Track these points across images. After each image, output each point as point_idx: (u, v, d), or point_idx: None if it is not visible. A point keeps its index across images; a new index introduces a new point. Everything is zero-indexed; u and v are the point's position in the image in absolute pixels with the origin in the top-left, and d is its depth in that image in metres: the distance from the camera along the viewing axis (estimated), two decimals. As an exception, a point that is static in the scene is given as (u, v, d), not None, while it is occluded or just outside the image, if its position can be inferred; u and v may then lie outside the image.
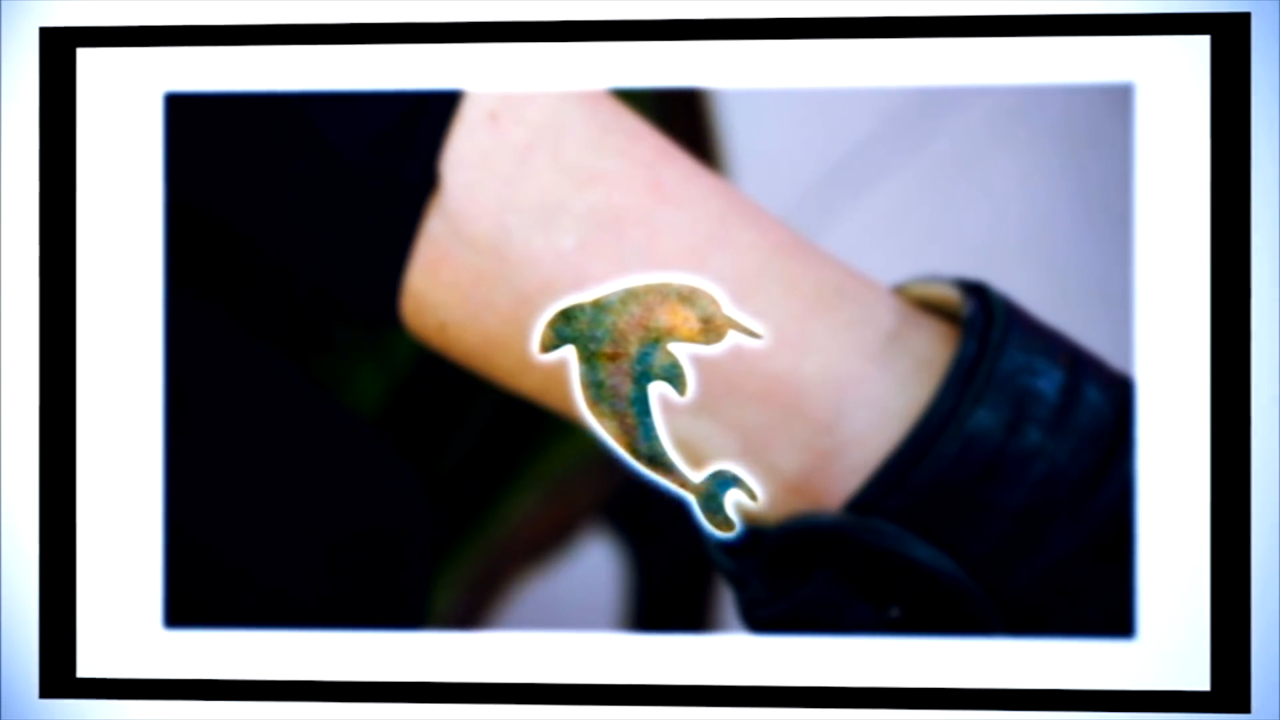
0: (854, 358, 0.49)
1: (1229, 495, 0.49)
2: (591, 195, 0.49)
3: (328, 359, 0.60)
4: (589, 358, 0.48)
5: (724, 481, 0.49)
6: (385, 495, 0.57)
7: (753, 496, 0.49)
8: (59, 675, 0.53)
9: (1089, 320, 0.51)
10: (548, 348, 0.49)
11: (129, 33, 0.52)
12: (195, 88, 0.52)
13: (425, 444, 0.64)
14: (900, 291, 0.51)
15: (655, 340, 0.48)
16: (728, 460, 0.49)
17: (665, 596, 0.73)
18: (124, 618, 0.53)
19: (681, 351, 0.48)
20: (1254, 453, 0.49)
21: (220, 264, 0.54)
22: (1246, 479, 0.49)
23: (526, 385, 0.50)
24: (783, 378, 0.49)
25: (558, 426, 0.65)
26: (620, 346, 0.48)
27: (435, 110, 0.49)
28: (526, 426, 0.66)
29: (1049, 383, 0.49)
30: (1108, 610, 0.49)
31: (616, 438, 0.49)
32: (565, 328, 0.48)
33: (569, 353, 0.49)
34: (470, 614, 0.67)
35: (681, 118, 0.64)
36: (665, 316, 0.48)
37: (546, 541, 0.69)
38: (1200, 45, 0.49)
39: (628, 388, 0.48)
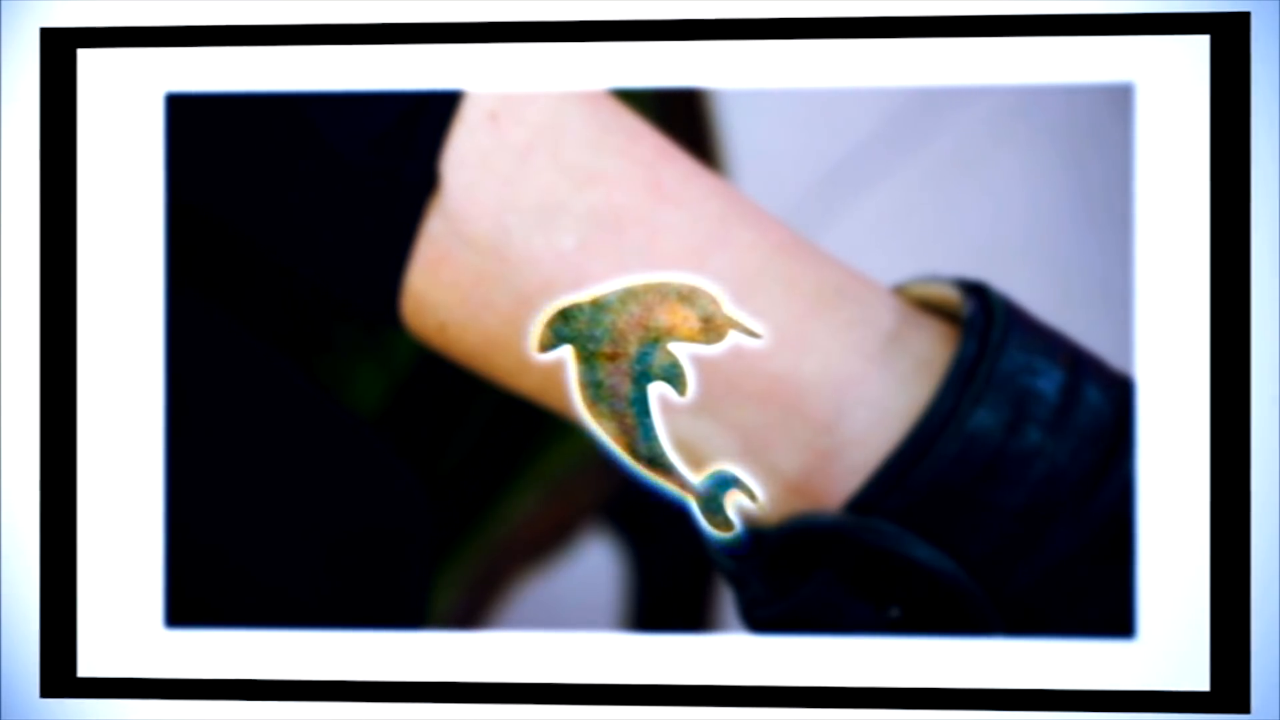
0: (854, 358, 0.49)
1: (1229, 495, 0.49)
2: (591, 195, 0.49)
3: (328, 359, 0.60)
4: (588, 358, 0.48)
5: (724, 482, 0.49)
6: (385, 495, 0.57)
7: (752, 497, 0.49)
8: (60, 675, 0.53)
9: (1089, 320, 0.51)
10: (546, 347, 0.49)
11: (129, 33, 0.52)
12: (196, 88, 0.52)
13: (425, 444, 0.64)
14: (900, 291, 0.51)
15: (655, 340, 0.48)
16: (728, 460, 0.49)
17: (665, 596, 0.73)
18: (125, 617, 0.53)
19: (681, 351, 0.48)
20: (1254, 453, 0.49)
21: (221, 264, 0.54)
22: (1246, 479, 0.49)
23: (527, 385, 0.50)
24: (783, 378, 0.49)
25: (558, 426, 0.65)
26: (619, 346, 0.48)
27: (435, 110, 0.49)
28: (526, 426, 0.66)
29: (1049, 383, 0.49)
30: (1108, 610, 0.49)
31: (615, 438, 0.48)
32: (564, 327, 0.48)
33: (567, 353, 0.49)
34: (470, 614, 0.67)
35: (681, 118, 0.64)
36: (665, 316, 0.48)
37: (546, 541, 0.69)
38: (1200, 45, 0.49)
39: (627, 388, 0.48)
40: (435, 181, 0.49)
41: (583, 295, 0.48)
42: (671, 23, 0.51)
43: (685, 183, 0.50)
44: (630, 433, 0.48)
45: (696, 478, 0.49)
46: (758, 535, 0.50)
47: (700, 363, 0.49)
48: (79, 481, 0.53)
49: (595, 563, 0.72)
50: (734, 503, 0.49)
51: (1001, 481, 0.48)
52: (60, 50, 0.53)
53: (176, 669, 0.53)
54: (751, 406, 0.49)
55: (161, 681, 0.53)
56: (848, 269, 0.50)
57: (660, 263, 0.49)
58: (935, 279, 0.51)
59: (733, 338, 0.48)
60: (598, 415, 0.49)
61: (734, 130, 0.67)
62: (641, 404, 0.48)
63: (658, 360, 0.48)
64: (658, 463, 0.49)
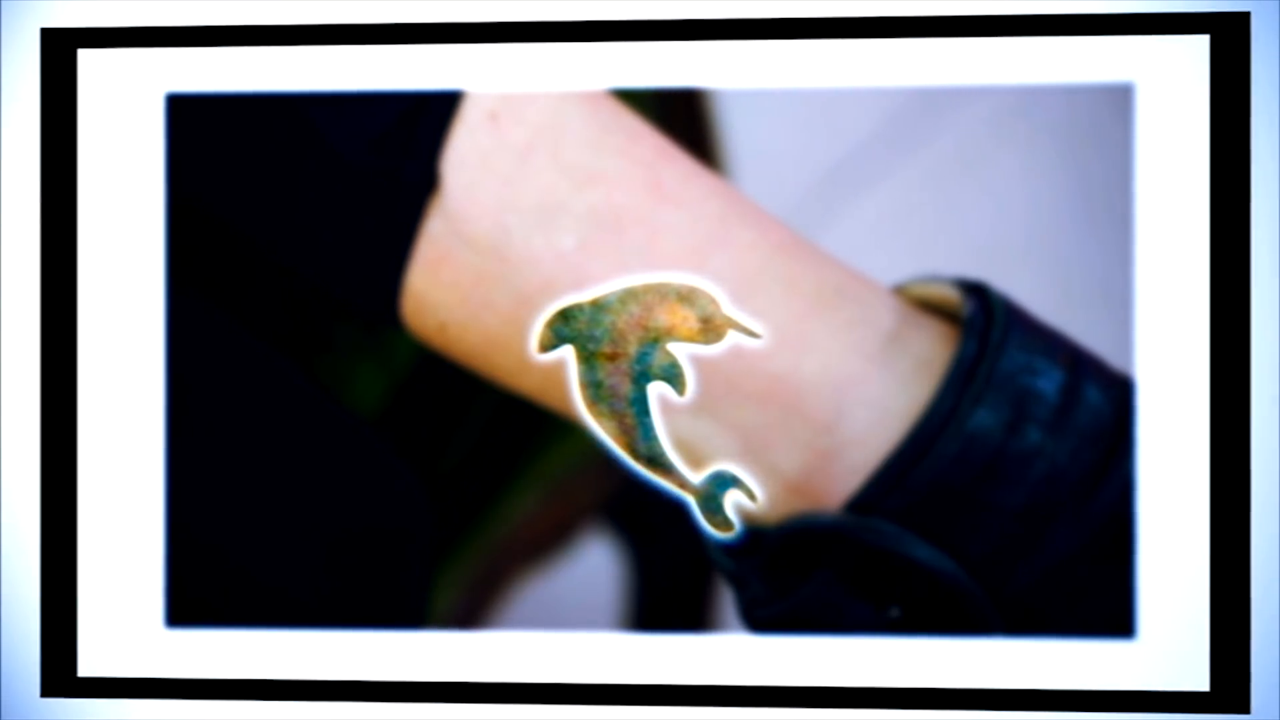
0: (854, 358, 0.49)
1: (1229, 495, 0.49)
2: (591, 195, 0.49)
3: (328, 359, 0.60)
4: (588, 358, 0.48)
5: (723, 482, 0.49)
6: (386, 495, 0.57)
7: (752, 497, 0.49)
8: (60, 674, 0.53)
9: (1090, 320, 0.51)
10: (546, 347, 0.49)
11: (130, 34, 0.52)
12: (196, 88, 0.52)
13: (426, 444, 0.64)
14: (900, 291, 0.51)
15: (654, 340, 0.48)
16: (728, 460, 0.49)
17: (665, 596, 0.73)
18: (125, 617, 0.53)
19: (681, 351, 0.48)
20: (1254, 453, 0.49)
21: (221, 264, 0.54)
22: (1246, 479, 0.49)
23: (527, 385, 0.50)
24: (783, 378, 0.49)
25: (558, 426, 0.65)
26: (619, 346, 0.48)
27: (436, 110, 0.49)
28: (527, 426, 0.66)
29: (1049, 383, 0.49)
30: (1108, 610, 0.49)
31: (615, 438, 0.49)
32: (564, 327, 0.48)
33: (567, 353, 0.49)
34: (470, 614, 0.67)
35: (681, 118, 0.64)
36: (664, 316, 0.48)
37: (546, 541, 0.69)
38: (1200, 45, 0.49)
39: (627, 388, 0.48)
40: (435, 181, 0.49)
41: (583, 295, 0.48)
42: (671, 23, 0.51)
43: (685, 183, 0.50)
44: (630, 432, 0.48)
45: (696, 477, 0.49)
46: (757, 535, 0.50)
47: (700, 363, 0.49)
48: (79, 481, 0.53)
49: (595, 563, 0.72)
50: (733, 502, 0.49)
51: (1001, 481, 0.48)
52: (61, 50, 0.53)
53: (177, 669, 0.53)
54: (751, 406, 0.49)
55: (162, 681, 0.53)
56: (848, 269, 0.50)
57: (660, 263, 0.49)
58: (935, 279, 0.51)
59: (732, 338, 0.48)
60: (598, 415, 0.49)
61: (734, 130, 0.67)
62: (641, 404, 0.48)
63: (657, 360, 0.48)
64: (657, 462, 0.49)
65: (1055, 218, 0.68)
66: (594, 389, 0.49)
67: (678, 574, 0.73)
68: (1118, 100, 0.50)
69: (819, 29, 0.50)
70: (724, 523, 0.49)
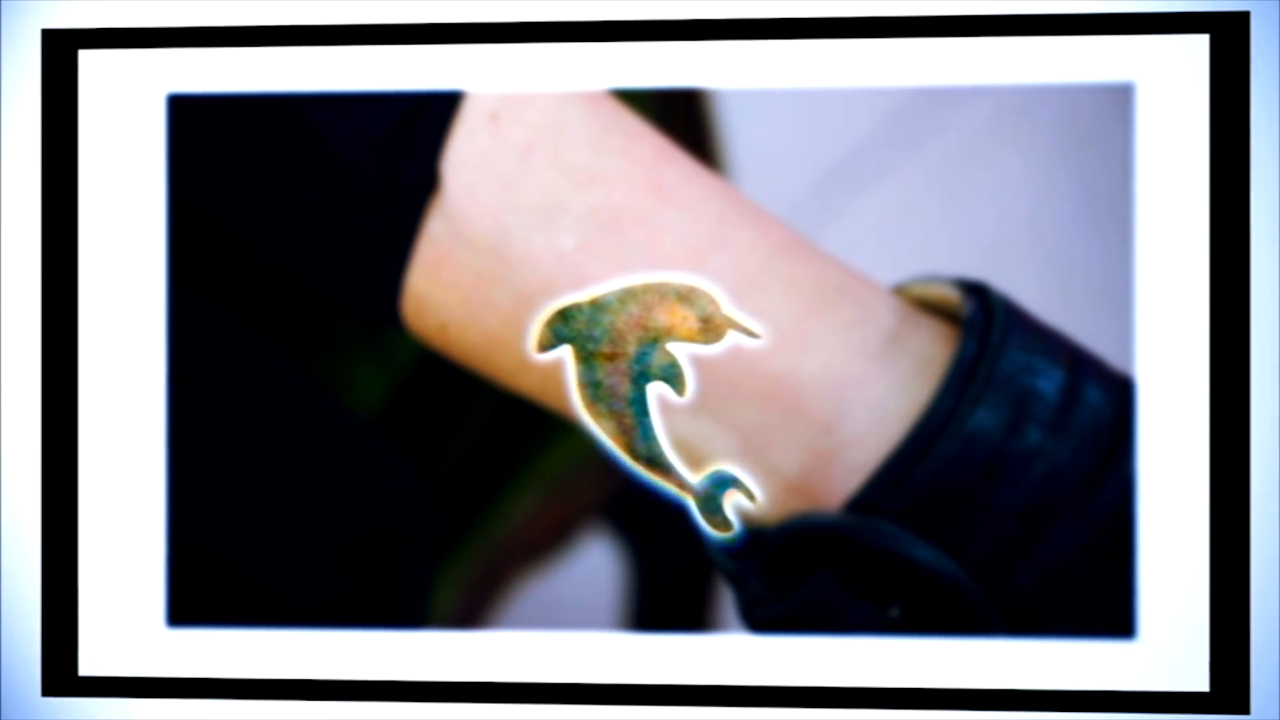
0: (854, 358, 0.49)
1: (1229, 495, 0.49)
2: (592, 195, 0.49)
3: (329, 358, 0.60)
4: (587, 357, 0.49)
5: (722, 482, 0.49)
6: (386, 495, 0.57)
7: (751, 497, 0.49)
8: (61, 673, 0.53)
9: (1090, 320, 0.51)
10: (545, 347, 0.49)
11: (131, 34, 0.53)
12: (197, 89, 0.52)
13: (426, 444, 0.64)
14: (900, 291, 0.51)
15: (654, 340, 0.48)
16: (727, 460, 0.49)
17: (665, 596, 0.73)
18: (126, 616, 0.53)
19: (680, 351, 0.48)
20: (1254, 453, 0.49)
21: (222, 264, 0.54)
22: (1246, 479, 0.49)
23: (527, 385, 0.50)
24: (783, 378, 0.49)
25: (558, 426, 0.65)
26: (618, 346, 0.48)
27: (436, 111, 0.49)
28: (527, 426, 0.66)
29: (1049, 383, 0.49)
30: (1108, 611, 0.49)
31: (614, 438, 0.49)
32: (563, 327, 0.48)
33: (566, 353, 0.49)
34: (471, 613, 0.67)
35: (681, 118, 0.64)
36: (664, 316, 0.48)
37: (547, 541, 0.69)
38: (1200, 45, 0.49)
39: (626, 388, 0.48)
40: (436, 182, 0.49)
41: (582, 295, 0.48)
42: (671, 23, 0.51)
43: (685, 183, 0.50)
44: (629, 432, 0.48)
45: (695, 478, 0.49)
46: (757, 535, 0.50)
47: (700, 363, 0.49)
48: (80, 481, 0.53)
49: (595, 563, 0.72)
50: (732, 503, 0.49)
51: (1001, 481, 0.48)
52: (62, 51, 0.53)
53: (177, 668, 0.53)
54: (752, 407, 0.49)
55: (163, 680, 0.53)
56: (848, 269, 0.50)
57: (660, 263, 0.49)
58: (935, 279, 0.51)
59: (731, 338, 0.48)
60: (597, 415, 0.49)
61: (734, 130, 0.67)
62: (640, 404, 0.48)
63: (656, 360, 0.48)
64: (656, 462, 0.49)
65: (1055, 218, 0.68)
66: (593, 389, 0.49)
67: (678, 574, 0.73)
68: (1118, 100, 0.50)
69: (819, 29, 0.50)
70: (723, 523, 0.49)
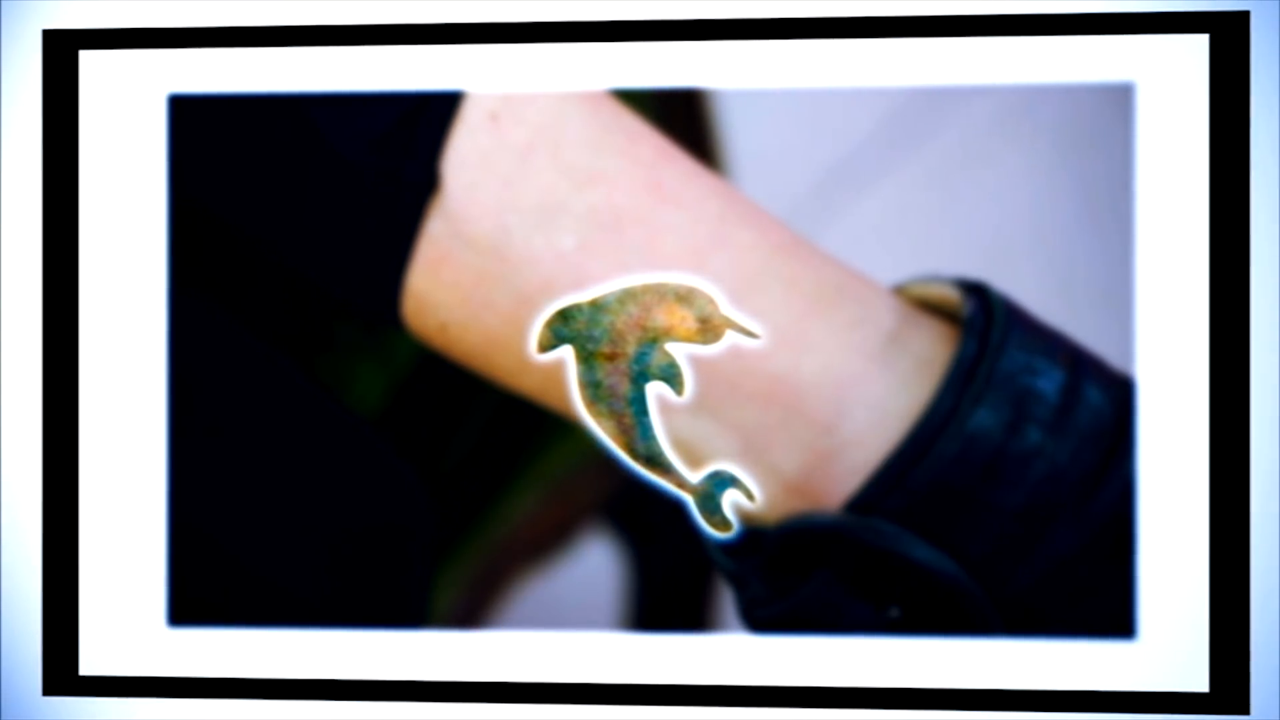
0: (854, 358, 0.49)
1: (1229, 495, 0.49)
2: (592, 195, 0.49)
3: (329, 358, 0.61)
4: (586, 358, 0.49)
5: (721, 482, 0.49)
6: (386, 494, 0.57)
7: (750, 497, 0.49)
8: (62, 673, 0.53)
9: (1091, 319, 0.51)
10: (545, 347, 0.49)
11: (132, 35, 0.53)
12: (198, 89, 0.52)
13: (426, 443, 0.64)
14: (900, 291, 0.51)
15: (653, 340, 0.48)
16: (727, 460, 0.49)
17: (665, 596, 0.73)
18: (127, 616, 0.53)
19: (679, 351, 0.49)
20: (1254, 453, 0.49)
21: (223, 264, 0.54)
22: (1246, 479, 0.49)
23: (527, 385, 0.50)
24: (783, 378, 0.49)
25: (558, 426, 0.65)
26: (618, 346, 0.48)
27: (436, 111, 0.49)
28: (527, 426, 0.66)
29: (1049, 383, 0.49)
30: (1108, 611, 0.49)
31: (614, 438, 0.49)
32: (563, 328, 0.48)
33: (566, 353, 0.49)
34: (471, 613, 0.67)
35: (681, 118, 0.64)
36: (663, 316, 0.48)
37: (547, 541, 0.69)
38: (1200, 44, 0.49)
39: (625, 387, 0.49)
40: (436, 182, 0.49)
41: (582, 296, 0.48)
42: (671, 23, 0.51)
43: (685, 183, 0.50)
44: (629, 432, 0.48)
45: (694, 477, 0.49)
46: (757, 535, 0.50)
47: (701, 363, 0.49)
48: (81, 480, 0.53)
49: (595, 563, 0.72)
50: (731, 502, 0.49)
51: (1001, 482, 0.48)
52: (62, 52, 0.53)
53: (178, 668, 0.53)
54: (752, 407, 0.49)
55: (163, 680, 0.53)
56: (848, 269, 0.50)
57: (660, 263, 0.49)
58: (935, 279, 0.51)
59: (730, 338, 0.48)
60: (597, 415, 0.49)
61: (734, 130, 0.67)
62: (640, 403, 0.48)
63: (656, 360, 0.48)
64: (656, 462, 0.49)
65: (1055, 217, 0.68)
66: (593, 389, 0.49)
67: (678, 574, 0.73)
68: (1118, 100, 0.50)
69: (819, 29, 0.50)
70: (722, 522, 0.49)
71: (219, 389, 0.54)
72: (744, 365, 0.49)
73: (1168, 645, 0.49)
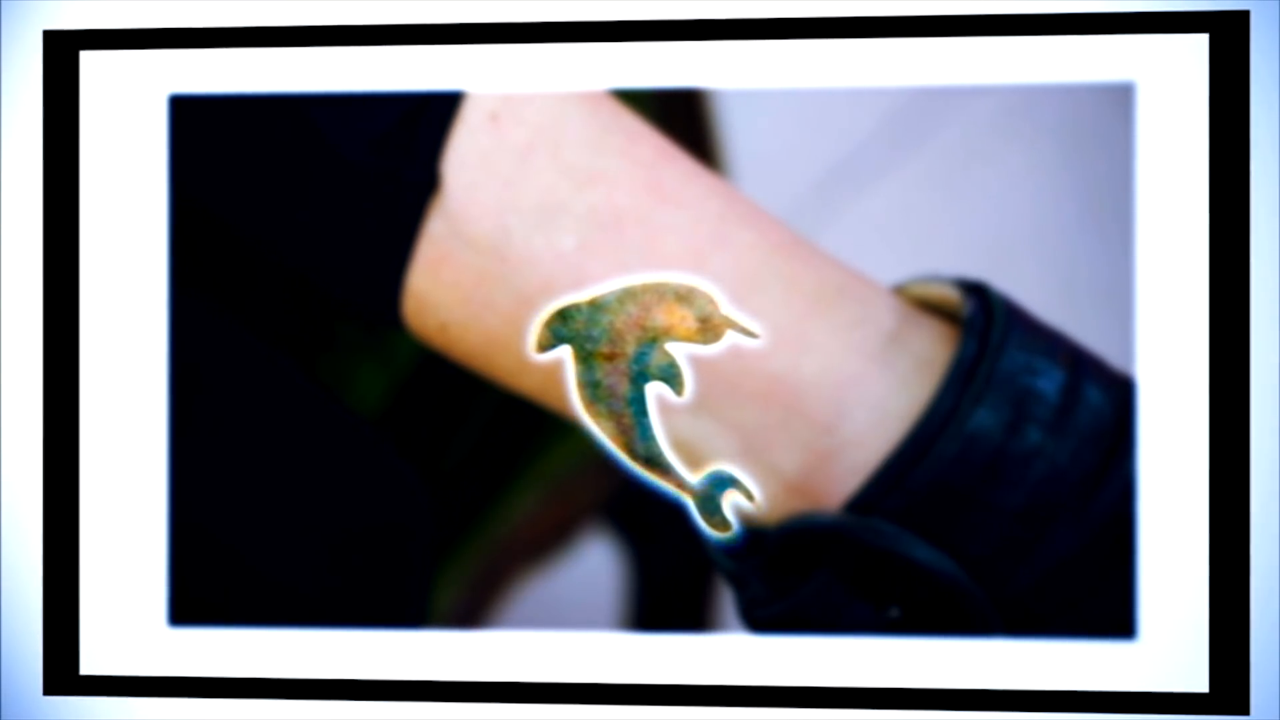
0: (854, 358, 0.49)
1: (1229, 495, 0.49)
2: (592, 195, 0.49)
3: (330, 358, 0.61)
4: (586, 357, 0.49)
5: (721, 482, 0.49)
6: (387, 494, 0.57)
7: (750, 497, 0.49)
8: (62, 672, 0.53)
9: (1092, 319, 0.51)
10: (544, 347, 0.49)
11: (132, 35, 0.53)
12: (198, 89, 0.52)
13: (427, 443, 0.64)
14: (900, 291, 0.51)
15: (652, 340, 0.48)
16: (727, 460, 0.49)
17: (665, 596, 0.73)
18: (127, 615, 0.53)
19: (678, 351, 0.48)
20: (1254, 453, 0.49)
21: (223, 265, 0.54)
22: (1246, 479, 0.49)
23: (527, 385, 0.50)
24: (783, 378, 0.49)
25: (558, 426, 0.65)
26: (617, 346, 0.48)
27: (436, 111, 0.49)
28: (527, 426, 0.66)
29: (1049, 383, 0.49)
30: (1108, 611, 0.49)
31: (613, 438, 0.49)
32: (562, 327, 0.48)
33: (566, 353, 0.49)
34: (471, 613, 0.67)
35: (681, 118, 0.64)
36: (662, 316, 0.48)
37: (547, 541, 0.69)
38: (1200, 44, 0.49)
39: (625, 388, 0.49)
40: (436, 182, 0.49)
41: (581, 296, 0.48)
42: (671, 23, 0.51)
43: (685, 183, 0.50)
44: (628, 432, 0.48)
45: (694, 477, 0.49)
46: (757, 535, 0.50)
47: (701, 363, 0.49)
48: (82, 480, 0.53)
49: (595, 563, 0.72)
50: (731, 503, 0.49)
51: (1001, 482, 0.48)
52: (63, 52, 0.53)
53: (179, 667, 0.53)
54: (752, 407, 0.49)
55: (164, 680, 0.53)
56: (848, 269, 0.50)
57: (660, 263, 0.49)
58: (935, 279, 0.51)
59: (730, 338, 0.48)
60: (596, 415, 0.49)
61: (734, 130, 0.67)
62: (639, 404, 0.48)
63: (655, 360, 0.48)
64: (655, 462, 0.49)
65: (1056, 217, 0.68)
66: (592, 389, 0.49)
67: (678, 574, 0.73)
68: (1118, 99, 0.50)
69: (819, 29, 0.50)
70: (721, 523, 0.49)
71: (220, 389, 0.54)
72: (744, 365, 0.49)
73: (1168, 645, 0.49)
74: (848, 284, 0.50)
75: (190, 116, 0.52)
